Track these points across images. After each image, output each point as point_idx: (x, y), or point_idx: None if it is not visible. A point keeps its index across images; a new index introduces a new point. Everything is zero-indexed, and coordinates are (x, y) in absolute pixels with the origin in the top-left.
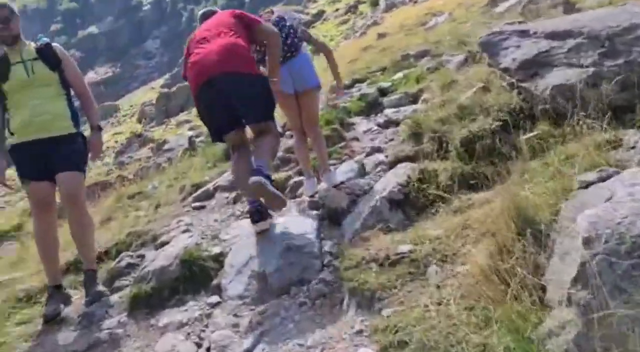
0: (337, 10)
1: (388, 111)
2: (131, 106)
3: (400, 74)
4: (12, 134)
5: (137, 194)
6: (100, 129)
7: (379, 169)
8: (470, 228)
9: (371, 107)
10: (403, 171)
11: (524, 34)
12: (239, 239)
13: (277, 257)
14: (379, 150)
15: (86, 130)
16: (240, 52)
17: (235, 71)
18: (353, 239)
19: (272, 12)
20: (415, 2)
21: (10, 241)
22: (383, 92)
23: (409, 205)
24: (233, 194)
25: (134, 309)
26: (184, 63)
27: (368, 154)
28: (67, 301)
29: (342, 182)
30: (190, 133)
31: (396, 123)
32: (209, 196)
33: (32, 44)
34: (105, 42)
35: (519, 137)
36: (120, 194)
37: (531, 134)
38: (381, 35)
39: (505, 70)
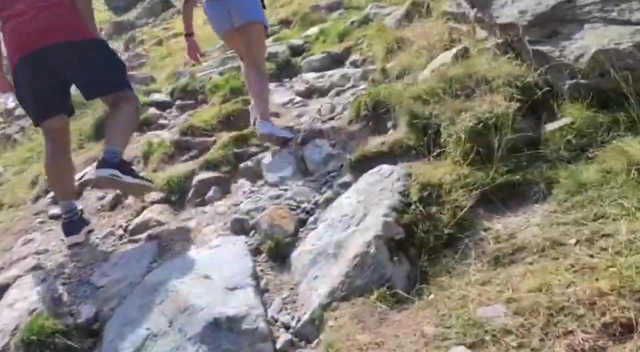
0: None
1: (308, 76)
2: None
3: (314, 29)
4: None
5: None
6: None
7: (330, 168)
8: (541, 299)
9: (282, 70)
10: (390, 182)
11: None
12: (125, 286)
13: (197, 340)
14: (320, 134)
15: None
16: (66, 13)
17: (67, 40)
18: (329, 310)
19: None
20: None
21: None
22: (295, 51)
23: (415, 247)
24: (111, 195)
25: None
26: None
27: (304, 141)
28: None
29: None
30: None
31: (321, 92)
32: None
33: None
34: None
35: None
36: None
37: (563, 122)
38: None
39: (507, 27)
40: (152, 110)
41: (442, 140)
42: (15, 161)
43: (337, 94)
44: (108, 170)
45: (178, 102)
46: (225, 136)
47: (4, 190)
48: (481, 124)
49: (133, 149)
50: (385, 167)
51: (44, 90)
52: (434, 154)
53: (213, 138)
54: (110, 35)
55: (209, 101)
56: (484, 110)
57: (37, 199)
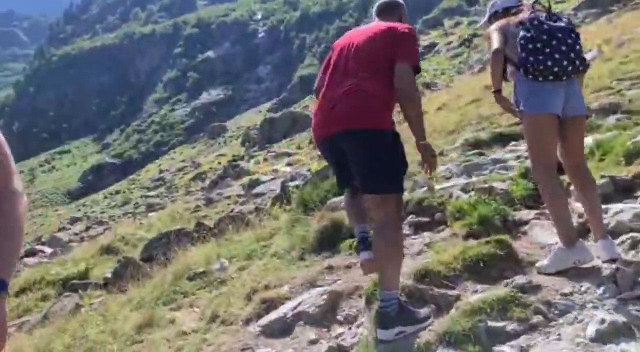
0: (449, 43)
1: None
2: (238, 128)
3: (588, 140)
4: None
5: (200, 274)
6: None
7: None
8: None
9: None
10: None
11: None
12: None
13: None
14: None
15: None
16: (371, 99)
17: (358, 128)
18: None
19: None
20: None
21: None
22: None
23: None
24: (326, 334)
25: None
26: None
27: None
28: None
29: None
30: (287, 169)
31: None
32: (285, 328)
33: None
34: (221, 66)
35: None
36: (180, 270)
37: None
38: None
39: None
40: None
41: None
42: (240, 253)
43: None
44: (391, 331)
45: (411, 217)
46: (473, 296)
47: (223, 296)
48: None
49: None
50: None
51: (338, 167)
52: None
53: (456, 292)
54: None
55: (448, 224)
56: None
57: (247, 321)
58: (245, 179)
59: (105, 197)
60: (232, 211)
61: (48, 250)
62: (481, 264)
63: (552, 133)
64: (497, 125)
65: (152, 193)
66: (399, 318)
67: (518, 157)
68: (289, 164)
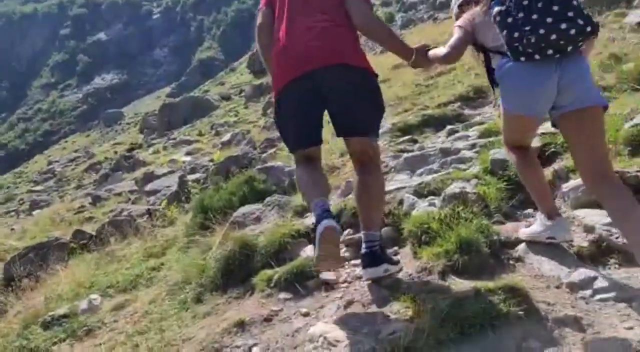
0: None
1: None
2: (135, 114)
3: None
4: None
5: (60, 319)
6: None
7: None
8: None
9: None
10: None
11: None
12: None
13: None
14: None
15: None
16: (346, 35)
17: (342, 63)
18: None
19: None
20: (435, 19)
21: None
22: None
23: None
24: None
25: None
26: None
27: None
28: None
29: None
30: (186, 159)
31: None
32: None
33: None
34: (114, 48)
35: None
36: (33, 312)
37: None
38: None
39: None
40: None
41: None
42: (121, 279)
43: None
44: (380, 267)
45: (347, 233)
46: None
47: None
48: None
49: None
50: None
51: (305, 116)
52: None
53: None
54: (250, 98)
55: (408, 248)
56: None
57: None
58: (140, 172)
59: None
60: (120, 213)
61: None
62: (490, 333)
63: (523, 133)
64: (423, 106)
65: (39, 188)
66: (385, 256)
67: (473, 146)
68: (188, 153)
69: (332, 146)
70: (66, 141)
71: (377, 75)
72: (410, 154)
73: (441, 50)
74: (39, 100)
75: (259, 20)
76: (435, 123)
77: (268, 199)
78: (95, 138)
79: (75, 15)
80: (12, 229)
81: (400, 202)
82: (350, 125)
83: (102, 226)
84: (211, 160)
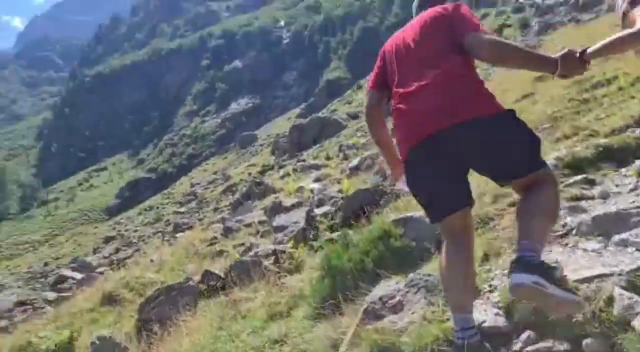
0: None
1: None
2: (268, 135)
3: None
4: None
5: None
6: None
7: None
8: None
9: None
10: None
11: None
12: None
13: None
14: None
15: None
16: (464, 84)
17: (473, 117)
18: None
19: None
20: (578, 21)
21: None
22: None
23: None
24: None
25: None
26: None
27: None
28: None
29: None
30: (315, 186)
31: None
32: None
33: None
34: (248, 74)
35: None
36: None
37: None
38: None
39: None
40: None
41: None
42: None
43: None
44: (530, 276)
45: None
46: None
47: None
48: None
49: None
50: None
51: (439, 182)
52: None
53: None
54: None
55: None
56: None
57: None
58: (269, 200)
59: (140, 214)
60: (248, 250)
61: (78, 276)
62: None
63: None
64: (590, 131)
65: (183, 209)
66: (542, 269)
67: None
68: (317, 180)
69: (483, 187)
70: (207, 163)
71: (513, 111)
72: (602, 212)
73: (626, 30)
74: (183, 127)
75: (365, 102)
76: (615, 156)
77: (412, 276)
78: (232, 160)
79: (213, 46)
80: (152, 260)
81: (610, 301)
82: (513, 169)
83: (229, 268)
84: (339, 191)
